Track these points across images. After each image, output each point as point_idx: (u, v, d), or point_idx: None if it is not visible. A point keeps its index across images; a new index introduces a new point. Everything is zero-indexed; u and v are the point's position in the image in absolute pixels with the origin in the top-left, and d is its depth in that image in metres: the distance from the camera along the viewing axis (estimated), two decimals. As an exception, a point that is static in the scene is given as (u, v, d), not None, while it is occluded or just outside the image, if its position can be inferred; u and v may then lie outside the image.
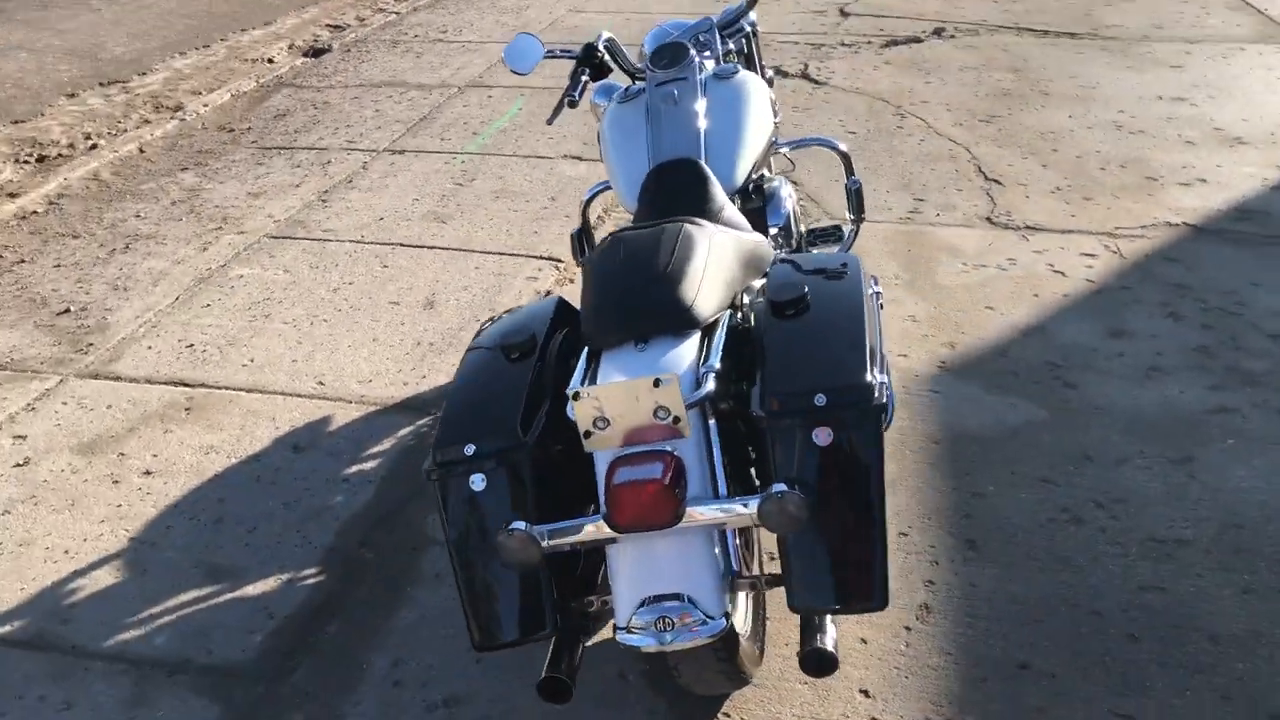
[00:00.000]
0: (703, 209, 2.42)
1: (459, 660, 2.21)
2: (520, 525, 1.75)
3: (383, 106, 5.74)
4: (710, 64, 2.84)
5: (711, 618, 1.78)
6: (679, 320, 1.89)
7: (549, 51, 2.72)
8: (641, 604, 1.78)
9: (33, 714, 2.12)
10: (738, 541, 1.90)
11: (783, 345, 1.88)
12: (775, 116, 2.76)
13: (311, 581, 2.45)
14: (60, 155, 5.45)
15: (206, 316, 3.62)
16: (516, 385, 1.92)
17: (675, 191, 2.47)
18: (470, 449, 1.83)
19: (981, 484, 2.73)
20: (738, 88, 2.68)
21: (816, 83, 5.97)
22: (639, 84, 2.76)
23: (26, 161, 5.38)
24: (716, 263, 2.02)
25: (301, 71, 6.60)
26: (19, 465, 2.87)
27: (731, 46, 2.98)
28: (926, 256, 3.93)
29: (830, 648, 1.79)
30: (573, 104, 2.68)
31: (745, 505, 1.72)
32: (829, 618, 1.84)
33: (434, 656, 2.24)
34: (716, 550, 1.83)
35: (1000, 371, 3.21)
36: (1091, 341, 3.35)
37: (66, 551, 2.56)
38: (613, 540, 1.77)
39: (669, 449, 1.78)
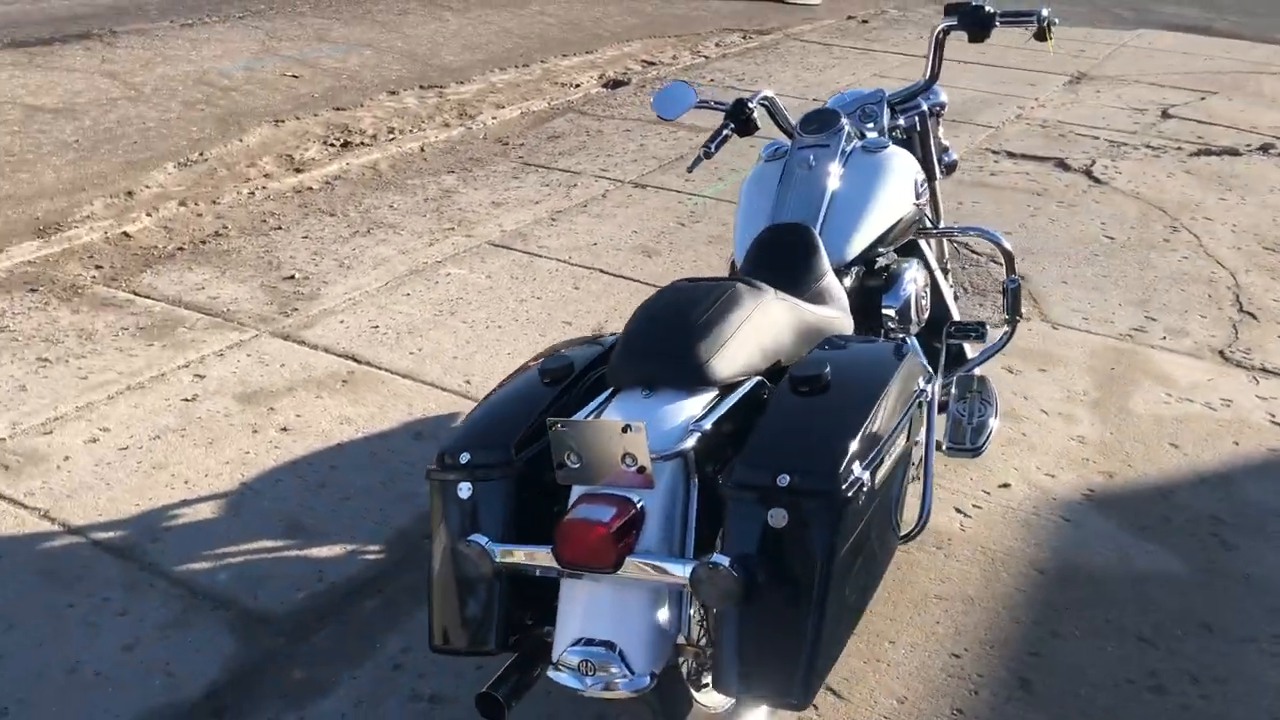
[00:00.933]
0: (800, 276, 2.39)
1: (460, 663, 2.29)
2: (479, 539, 1.81)
3: (648, 142, 5.96)
4: (872, 135, 2.79)
5: (634, 673, 1.76)
6: (688, 374, 1.88)
7: (700, 102, 2.76)
8: (575, 643, 1.79)
9: (93, 611, 2.39)
10: (693, 609, 1.86)
11: (777, 420, 1.84)
12: (917, 198, 2.67)
13: (371, 557, 2.61)
14: (362, 144, 6.03)
15: (402, 303, 3.92)
16: (533, 407, 1.98)
17: (779, 254, 2.46)
18: (465, 457, 1.91)
19: (1068, 625, 2.50)
20: (879, 163, 2.61)
21: (1096, 181, 5.64)
22: (788, 144, 2.76)
23: (332, 144, 6.00)
24: (756, 328, 1.99)
25: (593, 99, 6.96)
26: (186, 400, 3.23)
27: (902, 122, 2.90)
28: (1129, 379, 3.63)
29: (744, 738, 1.72)
30: (708, 155, 2.71)
31: (680, 567, 1.70)
32: (763, 706, 1.77)
33: (447, 658, 2.32)
34: (664, 610, 1.80)
35: (1153, 514, 2.92)
36: (1278, 505, 2.98)
37: (186, 482, 2.86)
38: (558, 572, 1.79)
39: (634, 498, 1.78)
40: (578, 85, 7.42)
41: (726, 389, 1.94)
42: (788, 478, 1.70)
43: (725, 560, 1.67)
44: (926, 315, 2.68)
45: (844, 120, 2.69)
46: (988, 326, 2.93)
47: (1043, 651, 2.43)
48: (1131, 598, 2.60)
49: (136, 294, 3.93)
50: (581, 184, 5.28)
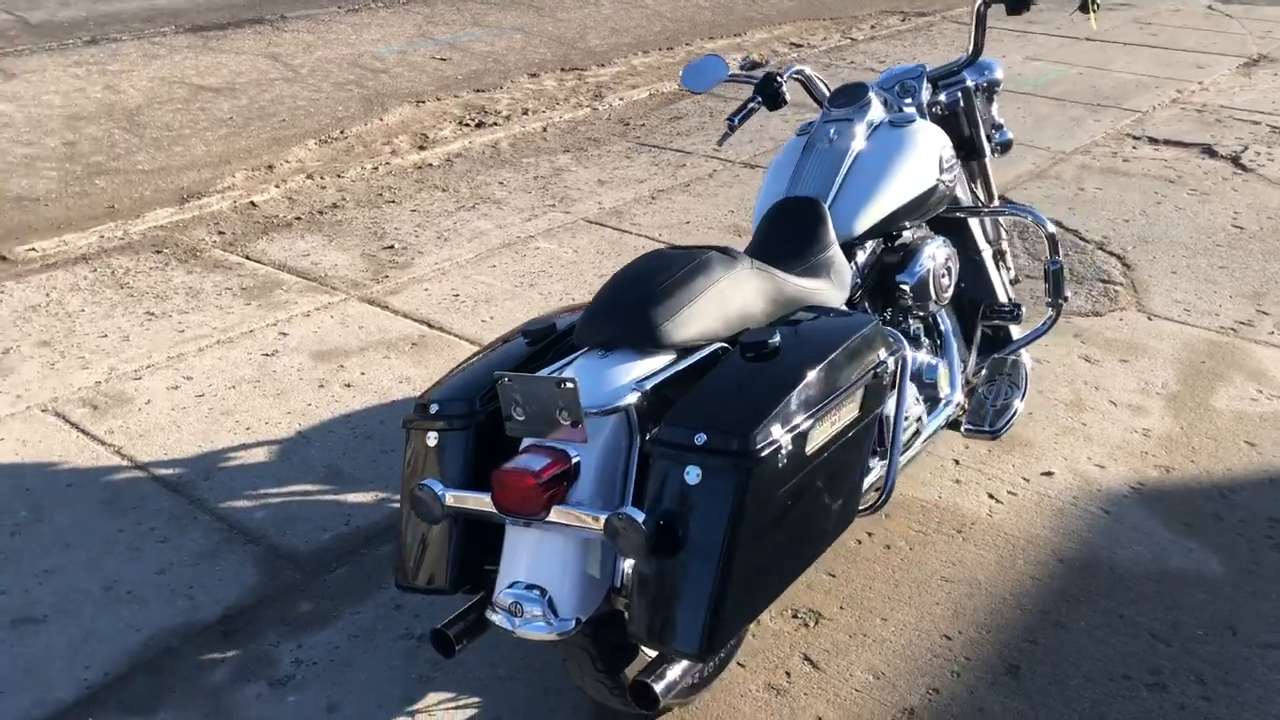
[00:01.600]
0: (803, 248, 2.41)
1: (454, 607, 2.40)
2: (431, 483, 1.92)
3: (768, 123, 5.95)
4: (910, 110, 2.76)
5: (559, 617, 1.83)
6: (641, 336, 1.94)
7: (731, 75, 2.79)
8: (510, 585, 1.88)
9: (139, 538, 2.63)
10: (626, 560, 1.91)
11: (715, 383, 1.88)
12: (943, 174, 2.62)
13: (397, 505, 2.76)
14: (496, 124, 6.25)
15: (487, 275, 4.08)
16: (505, 364, 2.07)
17: (785, 226, 2.48)
18: (435, 408, 2.02)
19: (1075, 616, 2.43)
20: (900, 138, 2.59)
21: (1242, 169, 5.32)
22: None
23: (467, 124, 6.24)
24: (720, 295, 2.03)
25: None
26: (266, 355, 3.47)
27: (943, 98, 2.85)
28: (1218, 374, 3.44)
29: (658, 688, 1.77)
30: (731, 129, 2.74)
31: (596, 517, 1.76)
32: (681, 660, 1.81)
33: (441, 599, 2.45)
34: (596, 560, 1.87)
35: (1203, 513, 2.79)
36: (1351, 511, 2.80)
37: (249, 428, 3.08)
38: (498, 517, 1.88)
39: (572, 451, 1.86)
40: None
41: (687, 353, 2.00)
42: (704, 436, 1.74)
43: (637, 513, 1.72)
44: (948, 293, 2.63)
45: (870, 94, 2.67)
46: (1023, 309, 2.86)
47: (1041, 640, 2.37)
48: (1154, 594, 2.50)
49: (248, 258, 4.23)
50: (691, 164, 5.33)
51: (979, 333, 2.90)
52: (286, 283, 4.00)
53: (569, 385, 1.77)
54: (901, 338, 2.14)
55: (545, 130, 5.97)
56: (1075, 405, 3.27)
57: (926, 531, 2.71)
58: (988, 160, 3.01)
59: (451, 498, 1.91)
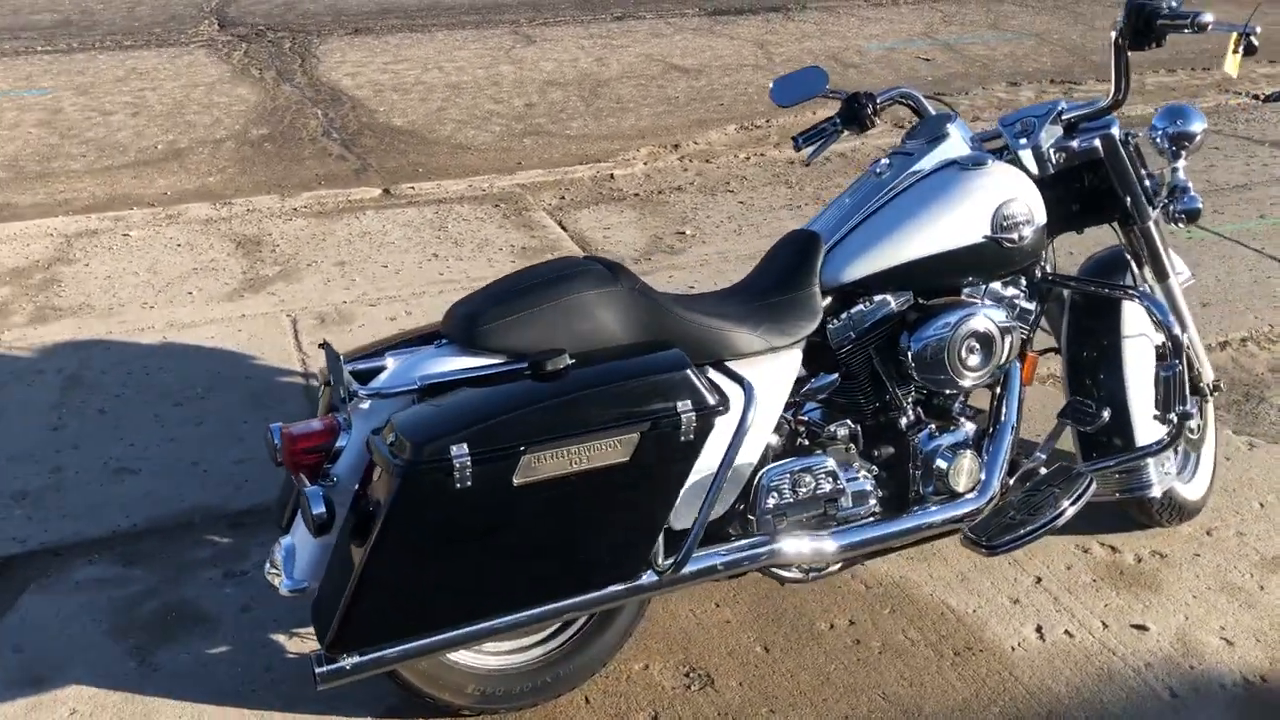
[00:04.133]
0: (772, 286, 2.23)
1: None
2: (275, 427, 2.10)
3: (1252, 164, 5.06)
4: (1027, 156, 2.32)
5: (292, 577, 1.92)
6: (463, 335, 1.94)
7: (830, 91, 2.51)
8: (288, 536, 2.00)
9: (251, 431, 3.05)
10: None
11: (470, 392, 1.83)
12: (997, 230, 2.18)
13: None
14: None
15: (741, 271, 4.01)
16: (422, 339, 2.16)
17: (775, 259, 2.30)
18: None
19: (993, 792, 1.96)
20: (948, 182, 2.21)
21: None
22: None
23: (900, 126, 6.05)
24: (569, 310, 1.96)
25: (1220, 111, 5.99)
26: (481, 307, 3.78)
27: (1074, 145, 2.33)
28: None
29: (320, 671, 1.80)
30: (797, 147, 2.48)
31: (307, 489, 1.82)
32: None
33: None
34: (348, 531, 1.92)
35: (1321, 740, 2.07)
36: None
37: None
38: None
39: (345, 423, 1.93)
40: (1234, 93, 6.42)
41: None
42: (393, 437, 1.73)
43: (316, 494, 1.78)
44: (976, 374, 2.19)
45: (949, 129, 2.29)
46: (1104, 415, 2.29)
47: (922, 801, 1.95)
48: (1133, 808, 1.93)
49: (560, 224, 4.57)
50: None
51: (1054, 429, 2.36)
52: (563, 250, 4.28)
53: (332, 358, 1.86)
54: (730, 395, 1.87)
55: (952, 141, 5.60)
56: (1270, 563, 2.52)
57: (918, 642, 2.31)
58: (1150, 227, 2.40)
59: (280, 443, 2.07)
